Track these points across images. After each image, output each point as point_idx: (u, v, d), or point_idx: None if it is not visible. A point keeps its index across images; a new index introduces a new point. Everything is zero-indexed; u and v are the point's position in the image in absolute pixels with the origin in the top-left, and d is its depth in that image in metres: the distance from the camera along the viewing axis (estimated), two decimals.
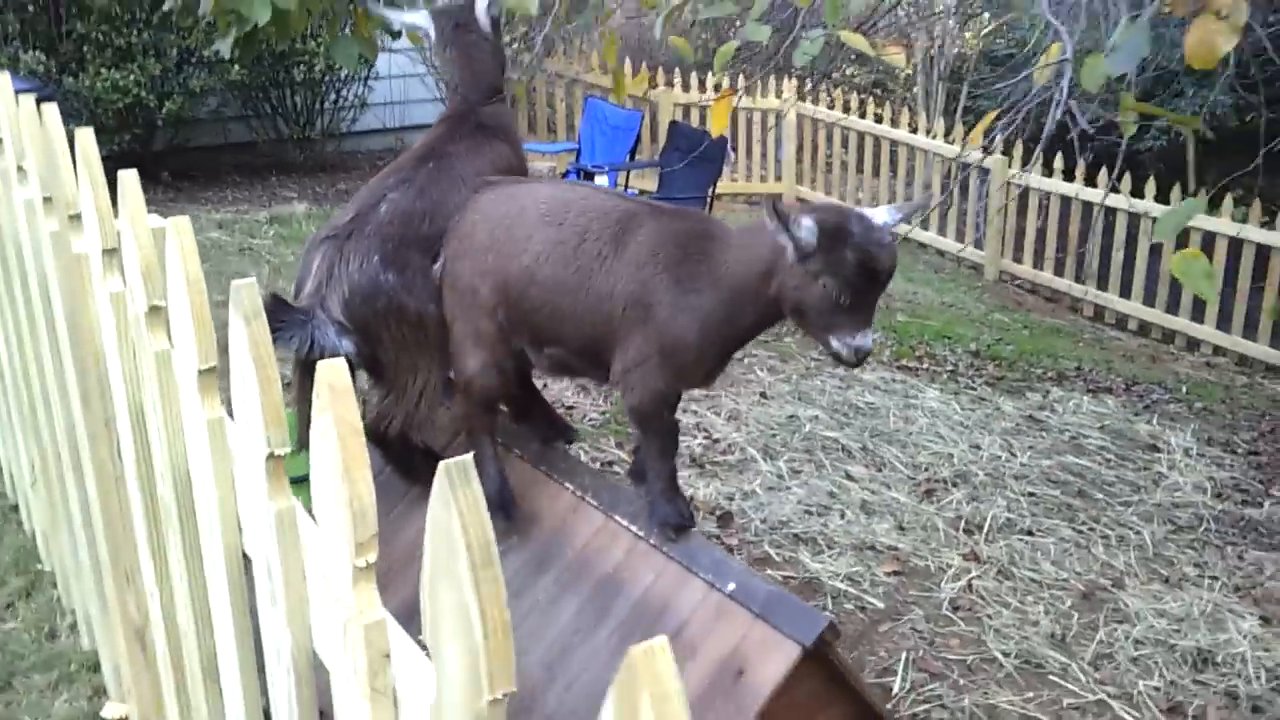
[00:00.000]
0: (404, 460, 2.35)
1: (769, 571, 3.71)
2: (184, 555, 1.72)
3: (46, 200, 2.21)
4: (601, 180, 6.98)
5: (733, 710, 1.66)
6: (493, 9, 2.55)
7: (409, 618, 1.12)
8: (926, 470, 4.57)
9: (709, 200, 7.48)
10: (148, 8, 6.73)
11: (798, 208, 1.87)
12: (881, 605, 3.59)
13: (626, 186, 7.78)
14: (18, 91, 2.48)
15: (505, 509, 2.28)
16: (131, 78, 6.92)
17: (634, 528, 2.00)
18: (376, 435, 2.28)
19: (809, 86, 10.90)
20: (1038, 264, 9.29)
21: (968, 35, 12.13)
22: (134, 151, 7.60)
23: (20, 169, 2.47)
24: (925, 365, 6.03)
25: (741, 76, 9.76)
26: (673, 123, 8.99)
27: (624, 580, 1.93)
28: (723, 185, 10.66)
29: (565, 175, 7.42)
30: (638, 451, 2.25)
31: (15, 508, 3.53)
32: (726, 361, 2.14)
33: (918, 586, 3.72)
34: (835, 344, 1.88)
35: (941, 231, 10.01)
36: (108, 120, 7.16)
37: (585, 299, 2.03)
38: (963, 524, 4.15)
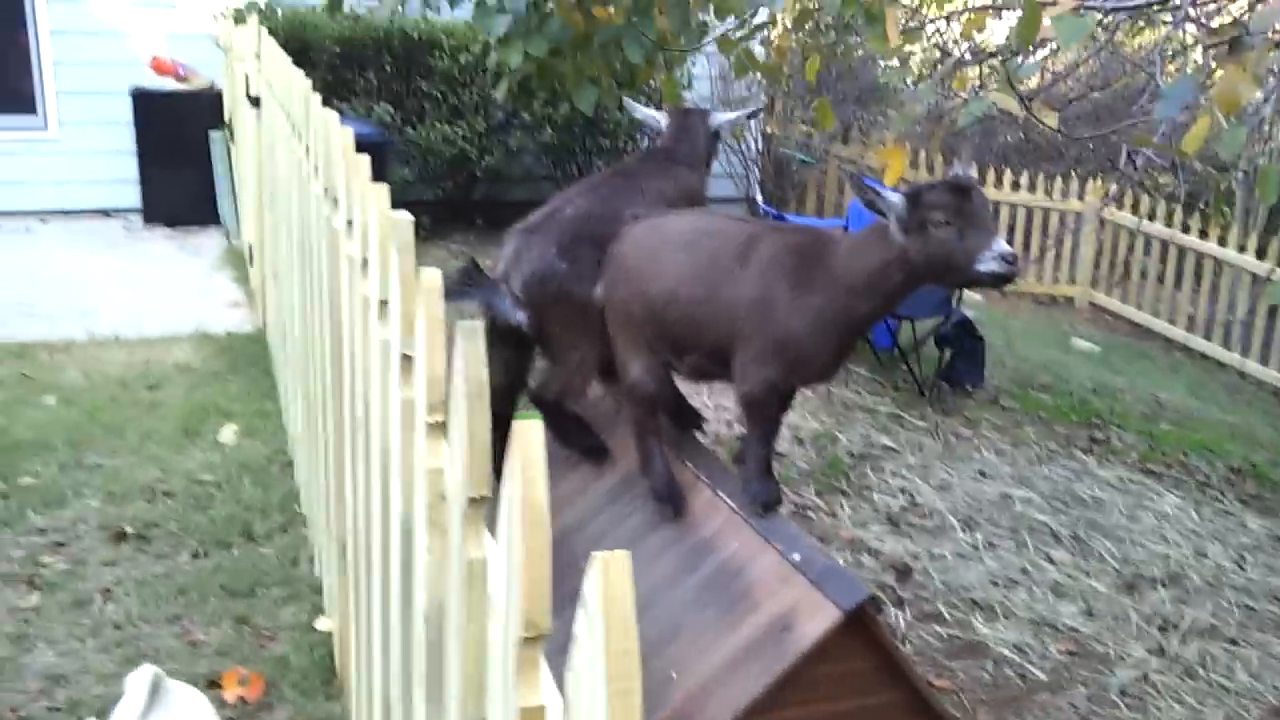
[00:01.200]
0: (560, 425, 2.73)
1: (935, 628, 3.78)
2: (366, 463, 2.16)
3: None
4: None
5: (775, 656, 1.89)
6: (724, 128, 2.97)
7: None
8: (1136, 566, 4.44)
9: None
10: (480, 71, 7.70)
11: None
12: (1044, 678, 3.57)
13: None
14: (363, 138, 2.86)
15: (675, 504, 2.55)
16: (460, 132, 7.91)
17: (732, 503, 2.28)
18: (537, 399, 2.68)
19: (1114, 189, 10.59)
20: None
21: None
22: (456, 198, 8.62)
23: (349, 223, 2.99)
24: (1172, 471, 5.77)
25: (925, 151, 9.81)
26: (853, 174, 9.03)
27: (715, 545, 2.20)
28: (1012, 284, 10.56)
29: None
30: (744, 440, 2.51)
31: (291, 463, 4.22)
32: (843, 358, 2.37)
33: (1089, 669, 3.66)
34: (984, 266, 2.08)
35: (1245, 352, 9.37)
36: (439, 168, 8.19)
37: (717, 309, 2.34)
38: (1159, 620, 4.02)
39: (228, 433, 4.39)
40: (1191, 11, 2.40)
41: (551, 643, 1.05)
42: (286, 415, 4.47)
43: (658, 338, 2.49)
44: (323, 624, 3.17)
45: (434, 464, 1.45)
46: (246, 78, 5.53)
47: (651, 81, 4.12)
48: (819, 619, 1.88)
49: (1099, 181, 10.68)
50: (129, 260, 7.09)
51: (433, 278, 1.48)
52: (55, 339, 5.37)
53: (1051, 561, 4.39)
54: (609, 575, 0.79)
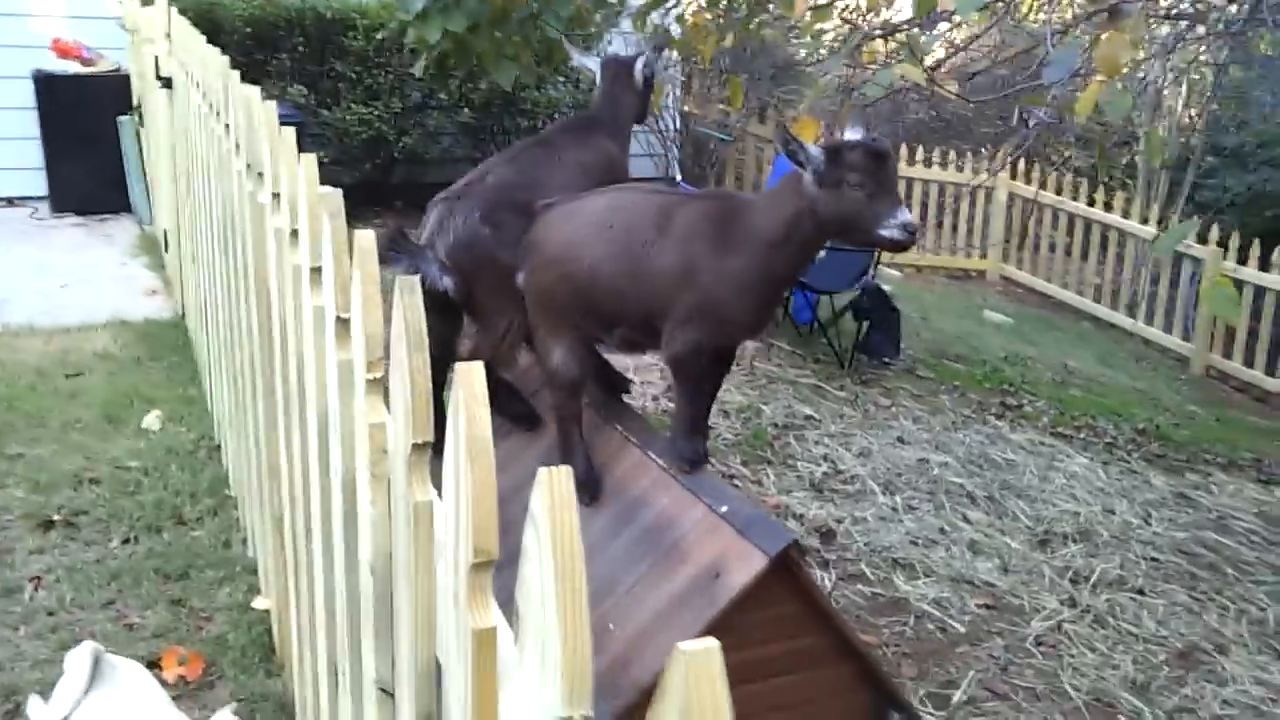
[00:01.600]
0: (491, 392, 2.78)
1: (859, 587, 3.91)
2: (301, 420, 2.18)
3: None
4: None
5: (706, 603, 1.97)
6: (646, 70, 3.08)
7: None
8: (1048, 524, 4.63)
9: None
10: (396, 50, 7.64)
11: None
12: (963, 630, 3.73)
13: None
14: (280, 119, 2.87)
15: (592, 490, 2.60)
16: (375, 113, 7.85)
17: (661, 462, 2.36)
18: None
19: (1020, 164, 10.89)
20: (1249, 361, 8.91)
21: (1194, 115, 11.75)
22: (375, 181, 8.55)
23: (275, 196, 2.98)
24: (1082, 434, 6.01)
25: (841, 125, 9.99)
26: (779, 125, 9.27)
27: (646, 503, 2.28)
28: (925, 258, 10.84)
29: None
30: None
31: (219, 447, 4.19)
32: (766, 317, 2.46)
33: (1006, 620, 3.83)
34: (885, 232, 2.18)
35: (1149, 320, 9.74)
36: (355, 150, 8.11)
37: (640, 281, 2.41)
38: (1070, 574, 4.21)
39: (152, 419, 4.34)
40: None
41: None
42: (211, 400, 4.43)
43: (585, 316, 2.54)
44: (259, 603, 3.18)
45: (375, 419, 1.49)
46: (156, 59, 5.43)
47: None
48: (748, 566, 1.96)
49: (1003, 151, 10.97)
50: (39, 249, 6.91)
51: (367, 238, 1.52)
52: None
53: (968, 521, 4.56)
54: (554, 487, 0.86)
